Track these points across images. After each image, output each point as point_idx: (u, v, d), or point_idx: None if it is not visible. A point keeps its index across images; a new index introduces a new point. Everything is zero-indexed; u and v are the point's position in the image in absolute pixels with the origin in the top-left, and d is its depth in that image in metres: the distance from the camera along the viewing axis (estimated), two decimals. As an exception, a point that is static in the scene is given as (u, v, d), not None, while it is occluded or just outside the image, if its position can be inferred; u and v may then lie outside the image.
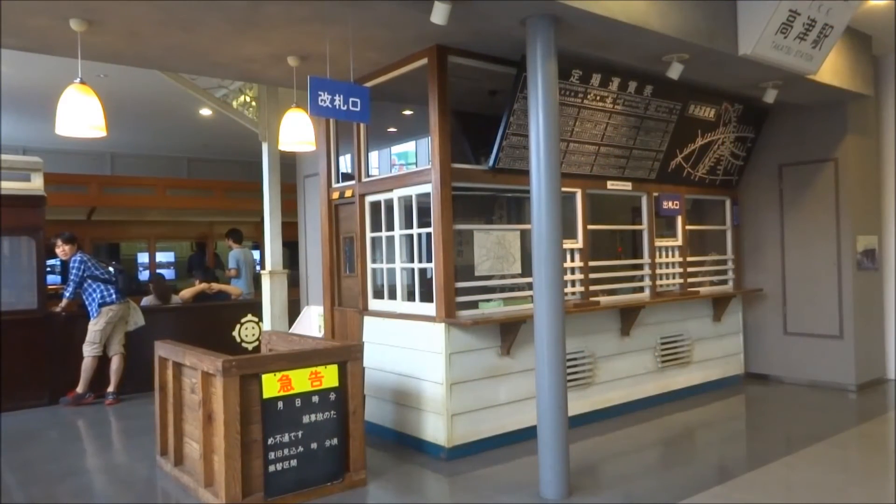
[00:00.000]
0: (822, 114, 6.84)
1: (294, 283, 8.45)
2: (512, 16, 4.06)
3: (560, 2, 3.83)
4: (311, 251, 7.97)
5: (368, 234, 5.72)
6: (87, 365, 6.87)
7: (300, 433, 4.03)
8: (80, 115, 4.36)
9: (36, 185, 7.19)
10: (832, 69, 5.93)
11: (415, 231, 5.29)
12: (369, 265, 5.72)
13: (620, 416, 5.89)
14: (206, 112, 9.64)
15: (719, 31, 4.86)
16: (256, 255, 10.61)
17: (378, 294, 5.67)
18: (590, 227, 5.89)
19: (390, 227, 5.44)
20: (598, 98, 5.47)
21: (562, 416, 4.07)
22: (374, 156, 8.17)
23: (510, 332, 5.02)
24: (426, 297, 5.10)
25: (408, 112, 6.98)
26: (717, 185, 7.12)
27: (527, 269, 4.96)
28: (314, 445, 4.08)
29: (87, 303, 6.99)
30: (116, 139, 10.71)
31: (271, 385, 3.94)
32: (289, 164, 8.27)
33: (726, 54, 4.98)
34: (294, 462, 4.00)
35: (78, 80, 4.40)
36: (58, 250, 7.12)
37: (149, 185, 11.25)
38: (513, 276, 5.33)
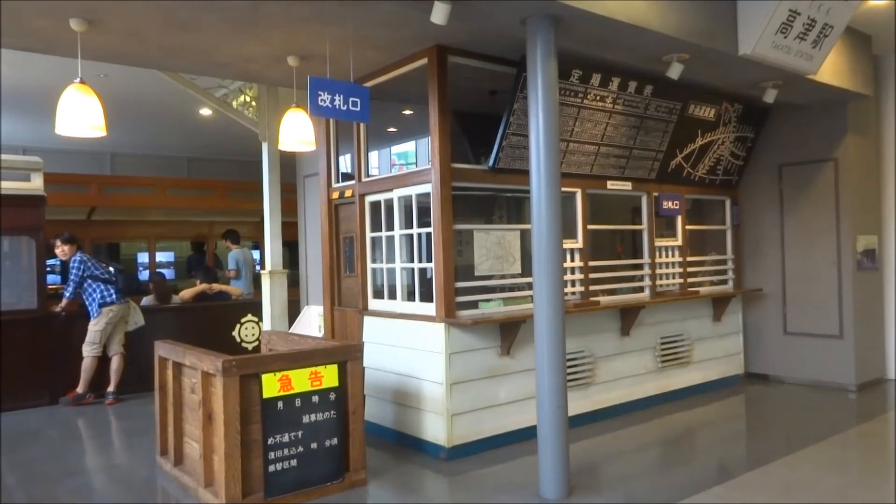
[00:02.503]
0: (822, 114, 6.84)
1: (294, 283, 8.45)
2: (512, 16, 4.06)
3: (560, 2, 3.83)
4: (311, 251, 7.97)
5: (368, 234, 5.72)
6: (86, 365, 6.87)
7: (300, 433, 4.03)
8: (80, 115, 4.36)
9: (36, 184, 7.19)
10: (832, 69, 5.93)
11: (415, 231, 5.29)
12: (369, 265, 5.72)
13: (620, 416, 5.88)
14: (206, 112, 9.64)
15: (719, 31, 4.86)
16: (256, 254, 10.61)
17: (378, 294, 5.67)
18: (590, 227, 5.89)
19: (390, 227, 5.44)
20: (598, 98, 5.47)
21: (562, 416, 4.07)
22: (373, 156, 8.18)
23: (510, 332, 5.02)
24: (426, 296, 5.10)
25: (408, 112, 6.98)
26: (717, 185, 7.12)
27: (527, 269, 4.96)
28: (314, 445, 4.08)
29: (87, 303, 6.99)
30: (116, 139, 10.71)
31: (271, 385, 3.94)
32: (289, 164, 8.26)
33: (726, 54, 4.97)
34: (294, 462, 4.00)
35: (78, 79, 4.40)
36: (57, 251, 7.12)
37: (149, 185, 11.25)
38: (513, 276, 5.33)
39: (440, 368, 4.81)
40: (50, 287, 8.18)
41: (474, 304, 5.12)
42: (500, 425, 5.05)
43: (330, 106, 4.36)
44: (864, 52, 6.51)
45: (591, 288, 5.85)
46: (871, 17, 5.97)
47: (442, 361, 4.80)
